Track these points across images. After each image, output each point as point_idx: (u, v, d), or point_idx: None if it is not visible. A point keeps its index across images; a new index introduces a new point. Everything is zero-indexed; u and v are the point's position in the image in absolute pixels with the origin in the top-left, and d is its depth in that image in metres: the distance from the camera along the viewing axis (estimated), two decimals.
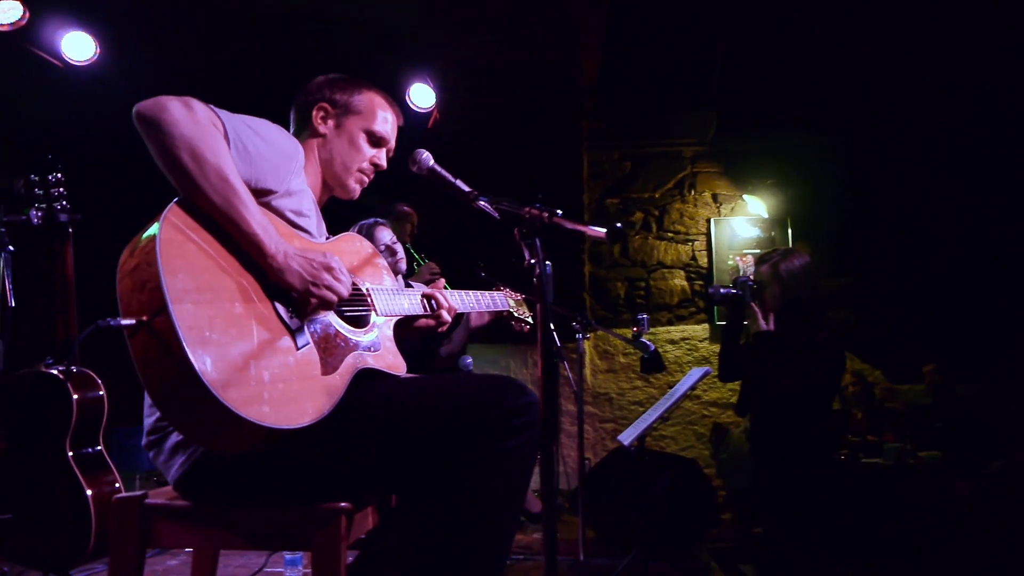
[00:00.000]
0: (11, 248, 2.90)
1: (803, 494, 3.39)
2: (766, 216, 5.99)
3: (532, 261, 1.54)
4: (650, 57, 5.18)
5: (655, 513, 3.56)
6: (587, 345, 6.06)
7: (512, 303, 2.53)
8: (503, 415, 1.65)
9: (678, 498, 3.81)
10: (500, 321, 2.64)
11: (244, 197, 1.57)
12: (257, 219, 1.58)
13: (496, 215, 1.93)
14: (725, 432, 5.14)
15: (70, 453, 2.80)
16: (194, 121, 1.55)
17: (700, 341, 5.99)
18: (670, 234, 6.14)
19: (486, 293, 2.41)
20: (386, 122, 2.09)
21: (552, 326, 4.46)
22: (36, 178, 2.86)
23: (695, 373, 3.42)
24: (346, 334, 1.77)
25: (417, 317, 2.09)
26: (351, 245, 2.01)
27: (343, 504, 1.60)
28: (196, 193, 1.53)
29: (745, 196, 6.04)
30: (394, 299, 1.99)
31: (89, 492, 2.75)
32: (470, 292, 2.31)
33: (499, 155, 5.72)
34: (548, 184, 5.68)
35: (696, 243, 6.11)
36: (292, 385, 1.53)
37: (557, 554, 1.57)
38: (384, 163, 2.12)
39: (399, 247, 4.04)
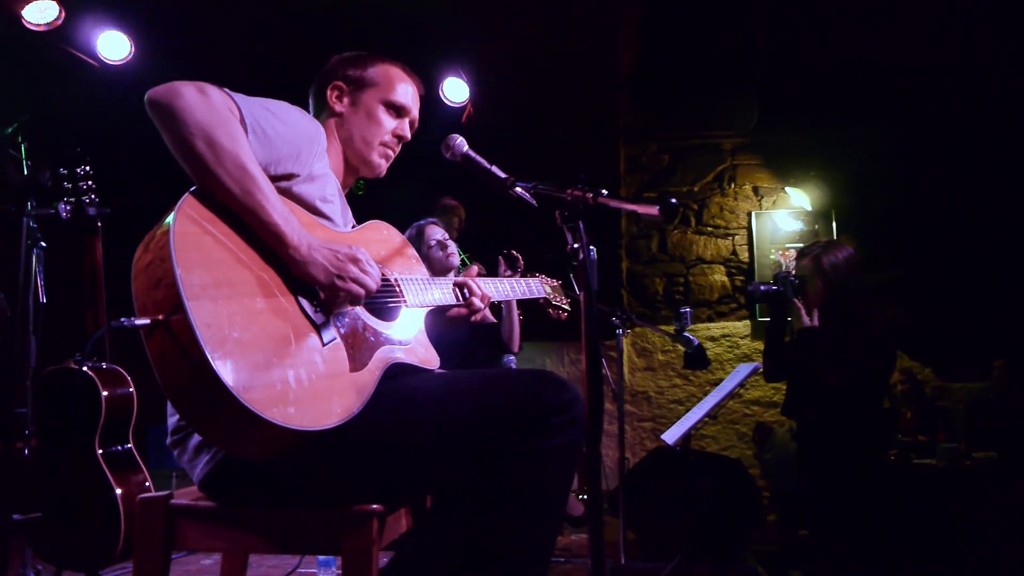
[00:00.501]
0: (43, 244, 2.87)
1: (852, 496, 3.24)
2: (809, 209, 5.81)
3: (576, 246, 1.43)
4: (689, 47, 5.04)
5: (700, 515, 3.44)
6: (625, 342, 5.95)
7: (548, 289, 2.44)
8: (542, 412, 1.55)
9: (723, 500, 3.68)
10: (537, 309, 2.55)
11: (263, 186, 1.49)
12: (278, 209, 1.50)
13: (533, 202, 1.86)
14: (769, 431, 4.98)
15: (99, 451, 2.76)
16: (209, 107, 1.47)
17: (741, 338, 5.84)
18: (709, 228, 5.99)
19: (520, 279, 2.32)
20: (405, 92, 2.01)
21: None
22: (65, 171, 2.83)
23: (743, 369, 3.28)
24: (375, 327, 1.69)
25: (449, 307, 2.00)
26: (378, 234, 1.92)
27: (375, 507, 1.52)
28: (212, 182, 1.46)
29: (787, 188, 5.86)
30: (425, 289, 1.90)
31: (118, 491, 2.71)
32: (504, 279, 2.23)
33: (534, 150, 5.63)
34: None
35: (736, 237, 5.95)
36: (319, 383, 1.45)
37: (603, 557, 1.47)
38: (408, 134, 2.03)
39: (451, 243, 4.00)
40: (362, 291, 1.59)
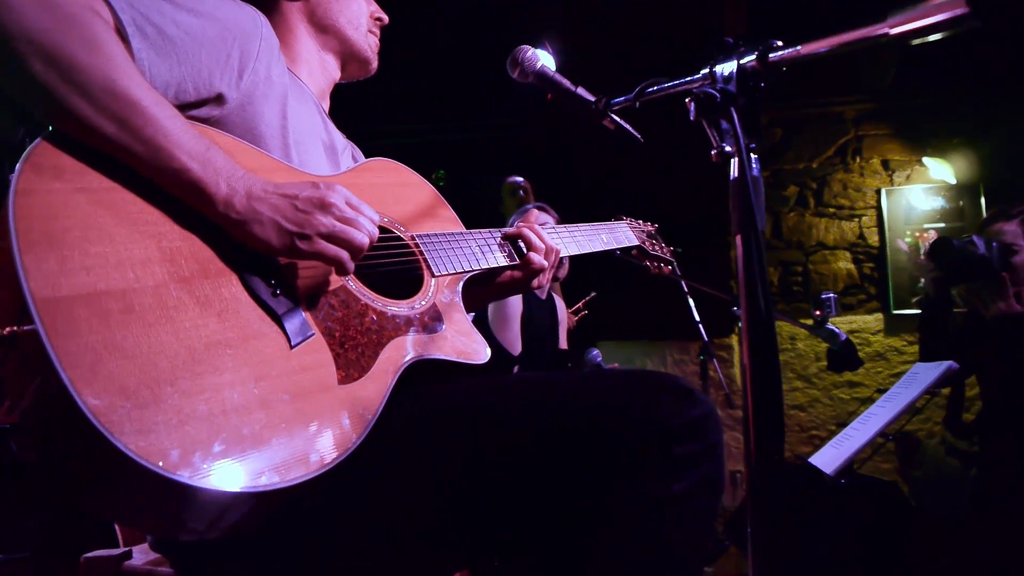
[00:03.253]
0: None
1: None
2: (953, 182, 4.99)
3: (727, 149, 0.83)
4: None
5: (857, 549, 2.77)
6: (734, 340, 5.29)
7: (643, 236, 1.84)
8: (662, 439, 0.98)
9: (881, 530, 3.01)
10: (627, 263, 1.95)
11: (155, 112, 0.96)
12: (185, 145, 0.97)
13: (636, 134, 1.35)
14: (917, 444, 4.24)
15: None
16: (46, 5, 0.92)
17: (872, 334, 5.07)
18: (831, 209, 5.26)
19: (601, 225, 1.72)
20: None
21: (698, 317, 3.66)
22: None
23: (925, 371, 2.45)
24: (382, 310, 1.13)
25: (499, 270, 1.44)
26: (382, 177, 1.35)
27: None
28: (67, 122, 0.93)
29: (924, 160, 5.06)
30: (457, 249, 1.34)
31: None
32: (578, 226, 1.64)
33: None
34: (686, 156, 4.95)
35: (864, 219, 5.20)
36: (285, 409, 0.92)
37: None
38: (385, 14, 1.55)
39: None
40: (343, 253, 1.04)
